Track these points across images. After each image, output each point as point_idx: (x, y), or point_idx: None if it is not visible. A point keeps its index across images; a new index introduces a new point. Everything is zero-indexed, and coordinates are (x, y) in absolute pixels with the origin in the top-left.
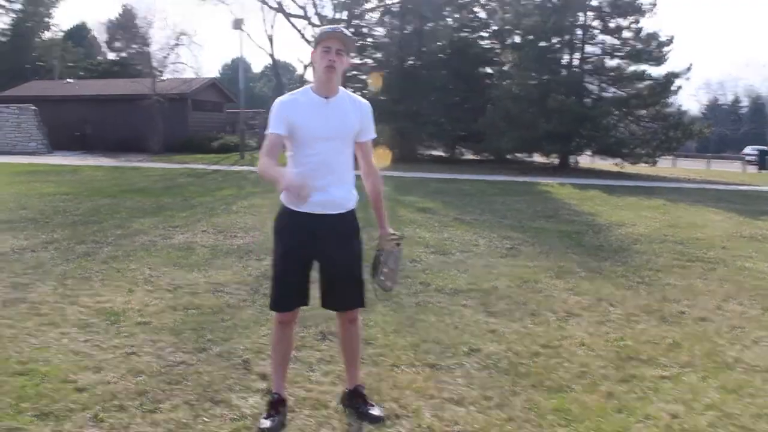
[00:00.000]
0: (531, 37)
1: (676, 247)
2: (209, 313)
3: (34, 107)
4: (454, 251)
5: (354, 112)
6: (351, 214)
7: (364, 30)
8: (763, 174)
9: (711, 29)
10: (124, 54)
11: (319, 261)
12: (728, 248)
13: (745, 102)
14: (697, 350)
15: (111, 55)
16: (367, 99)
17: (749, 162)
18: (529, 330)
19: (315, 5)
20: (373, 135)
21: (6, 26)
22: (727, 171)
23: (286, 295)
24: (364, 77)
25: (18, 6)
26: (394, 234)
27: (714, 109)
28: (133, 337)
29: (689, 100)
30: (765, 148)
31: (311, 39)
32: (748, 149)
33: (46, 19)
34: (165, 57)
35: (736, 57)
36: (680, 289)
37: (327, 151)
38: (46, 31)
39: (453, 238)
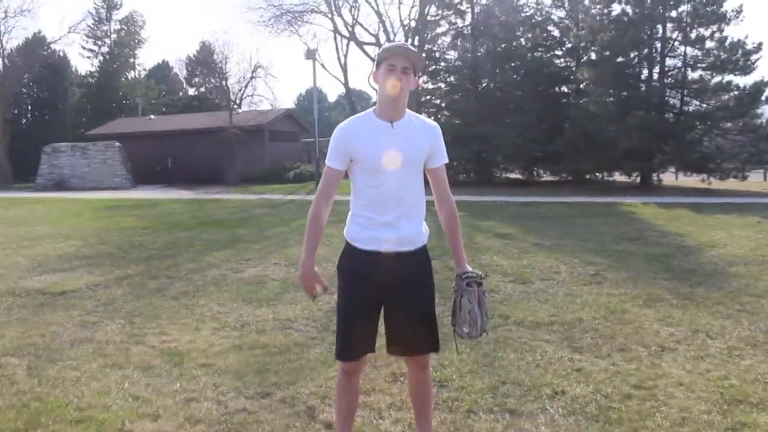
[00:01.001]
0: (607, 53)
1: None
2: (275, 353)
3: (118, 144)
4: (534, 279)
5: (423, 135)
6: (423, 250)
7: (437, 54)
8: None
9: None
10: (202, 89)
11: (388, 304)
12: None
13: None
14: None
15: (191, 91)
16: (441, 123)
17: None
18: (618, 368)
19: (386, 32)
20: (445, 159)
21: (95, 69)
22: None
23: (353, 344)
24: (437, 101)
25: (105, 49)
26: (471, 272)
27: None
28: (195, 380)
29: None
30: None
31: None
32: None
33: (131, 60)
34: (241, 90)
35: None
36: None
37: (394, 181)
38: (131, 71)
39: (533, 264)
